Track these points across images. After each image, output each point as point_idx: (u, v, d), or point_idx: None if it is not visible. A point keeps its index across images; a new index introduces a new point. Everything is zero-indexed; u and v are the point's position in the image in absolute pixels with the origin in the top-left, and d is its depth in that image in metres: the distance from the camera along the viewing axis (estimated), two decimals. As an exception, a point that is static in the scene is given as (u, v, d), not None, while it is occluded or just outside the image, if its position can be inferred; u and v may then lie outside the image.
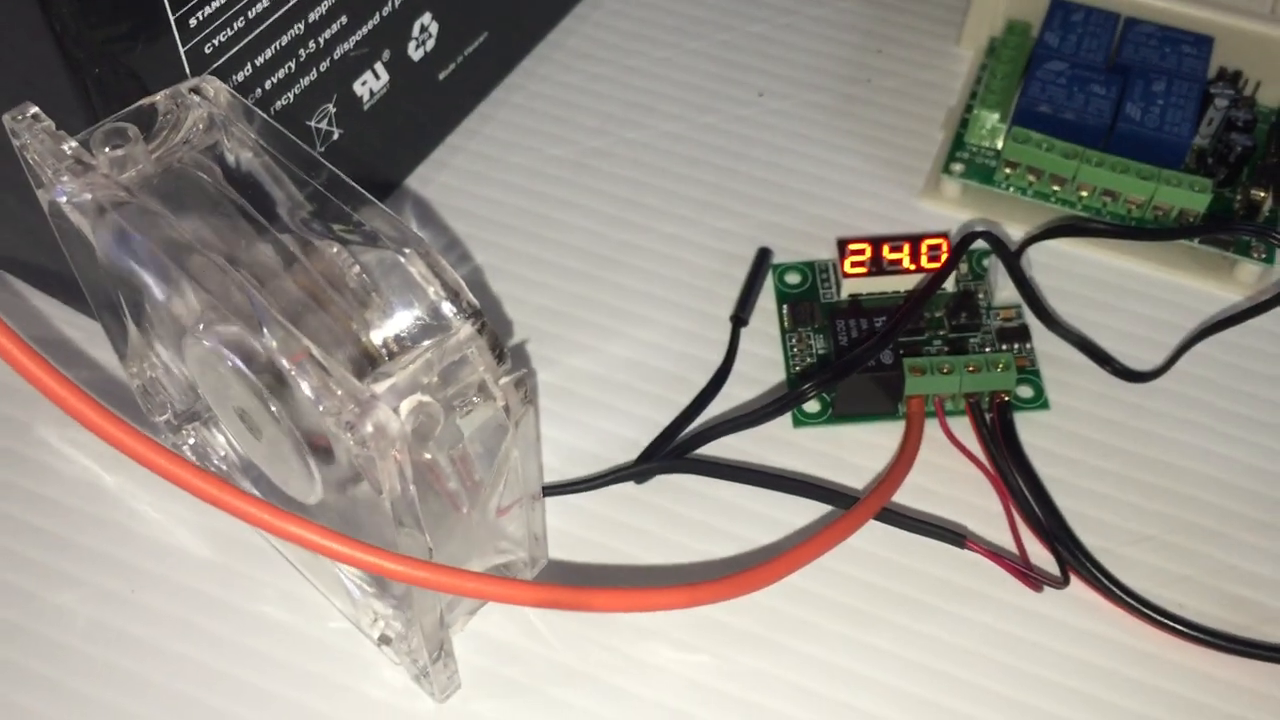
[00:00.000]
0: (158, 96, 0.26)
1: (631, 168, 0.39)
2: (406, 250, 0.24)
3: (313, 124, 0.33)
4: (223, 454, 0.31)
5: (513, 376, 0.24)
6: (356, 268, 0.24)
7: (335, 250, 0.24)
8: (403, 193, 0.38)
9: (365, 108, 0.35)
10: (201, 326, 0.26)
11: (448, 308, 0.23)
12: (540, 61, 0.42)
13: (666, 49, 0.43)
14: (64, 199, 0.26)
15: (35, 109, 0.25)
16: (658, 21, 0.44)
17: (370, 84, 0.35)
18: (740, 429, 0.32)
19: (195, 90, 0.26)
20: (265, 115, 0.26)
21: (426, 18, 0.36)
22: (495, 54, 0.40)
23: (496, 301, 0.36)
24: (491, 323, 0.24)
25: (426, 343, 0.23)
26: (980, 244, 0.35)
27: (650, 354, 0.35)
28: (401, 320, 0.23)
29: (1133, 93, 0.37)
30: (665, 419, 0.33)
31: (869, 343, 0.33)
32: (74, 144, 0.25)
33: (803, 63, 0.43)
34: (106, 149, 0.25)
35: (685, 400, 0.33)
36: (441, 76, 0.38)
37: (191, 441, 0.32)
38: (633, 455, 0.32)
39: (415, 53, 0.36)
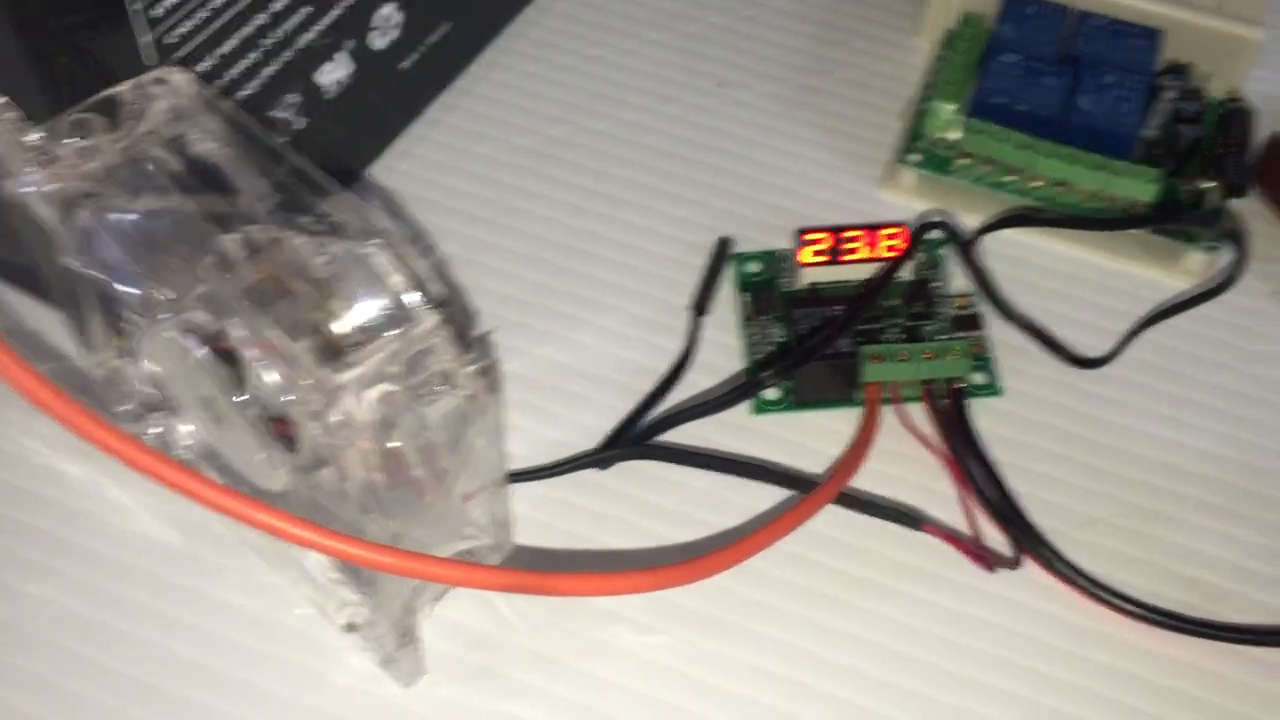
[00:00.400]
0: (122, 87, 0.26)
1: (594, 158, 0.40)
2: (372, 241, 0.24)
3: (276, 114, 0.33)
4: (186, 443, 0.32)
5: (477, 365, 0.24)
6: (322, 258, 0.24)
7: (301, 241, 0.24)
8: (367, 182, 0.38)
9: (329, 97, 0.35)
10: (166, 317, 0.26)
11: (413, 298, 0.24)
12: (503, 52, 0.42)
13: (629, 39, 0.43)
14: (28, 189, 0.26)
15: (2, 99, 0.25)
16: (621, 12, 0.44)
17: (333, 74, 0.35)
18: (700, 416, 0.33)
19: (160, 80, 0.26)
20: (230, 105, 0.26)
21: (389, 8, 0.36)
22: (458, 43, 0.40)
23: (460, 291, 0.36)
24: (456, 312, 0.24)
25: (392, 332, 0.23)
26: (936, 233, 0.36)
27: (613, 342, 0.35)
28: (367, 310, 0.24)
29: (1084, 84, 0.38)
30: (628, 406, 0.33)
31: (827, 331, 0.33)
32: (39, 134, 0.25)
33: (764, 54, 0.43)
34: (71, 139, 0.25)
35: (648, 388, 0.34)
36: (405, 66, 0.38)
37: (155, 431, 0.32)
38: (596, 442, 0.33)
39: (378, 42, 0.36)
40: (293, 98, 0.34)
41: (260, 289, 0.24)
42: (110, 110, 0.26)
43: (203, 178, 0.26)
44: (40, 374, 0.24)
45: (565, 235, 0.38)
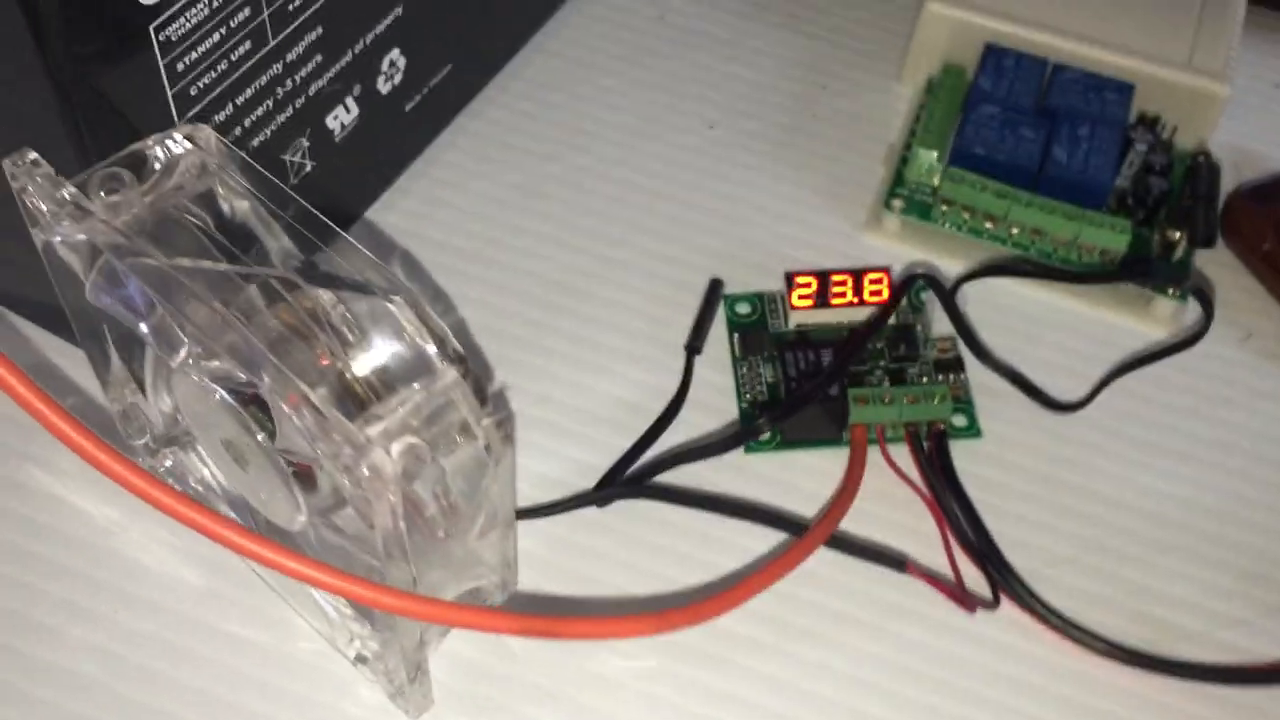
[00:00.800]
0: (149, 141, 0.27)
1: (584, 195, 0.41)
2: (395, 299, 0.25)
3: (287, 158, 0.34)
4: (200, 476, 0.33)
5: (494, 418, 0.25)
6: (343, 308, 0.26)
7: (324, 293, 0.26)
8: (367, 221, 0.40)
9: (336, 140, 0.36)
10: (192, 362, 0.27)
11: (434, 353, 0.25)
12: (500, 90, 0.44)
13: (618, 80, 0.44)
14: (60, 239, 0.27)
15: (34, 155, 0.26)
16: (611, 51, 0.45)
17: (341, 118, 0.36)
18: (696, 459, 0.34)
19: (186, 136, 0.27)
20: (259, 166, 0.27)
21: (395, 53, 0.37)
22: (458, 84, 0.41)
23: (457, 328, 0.37)
24: (474, 367, 0.25)
25: (415, 386, 0.25)
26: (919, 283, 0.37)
27: (609, 380, 0.36)
28: (390, 364, 0.25)
29: (1060, 137, 0.40)
30: (625, 443, 0.35)
31: (817, 379, 0.35)
32: (72, 190, 0.26)
33: (750, 95, 0.45)
34: (102, 193, 0.26)
35: (643, 425, 0.35)
36: (408, 108, 0.39)
37: (169, 464, 0.33)
38: (594, 478, 0.34)
39: (384, 86, 0.37)
40: (303, 142, 0.35)
41: (285, 338, 0.25)
42: (138, 164, 0.27)
43: (230, 234, 0.27)
44: (61, 408, 0.25)
45: (559, 271, 0.39)
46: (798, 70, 0.46)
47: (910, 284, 0.36)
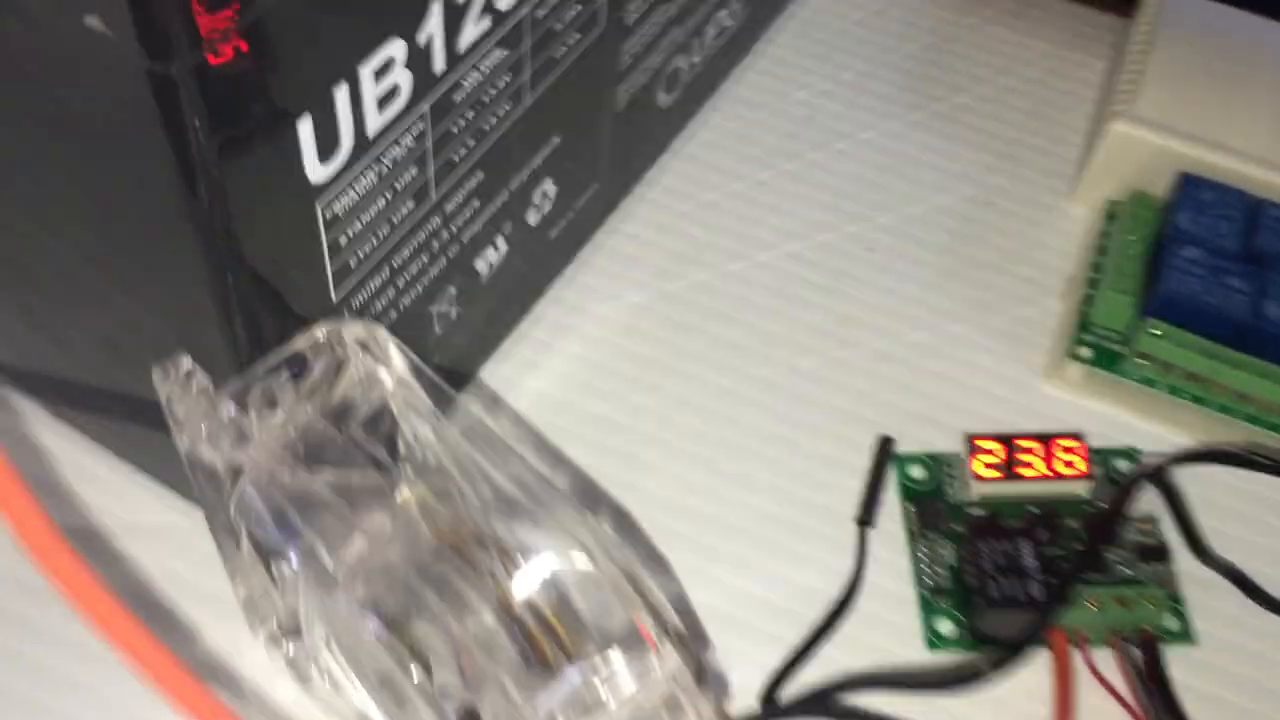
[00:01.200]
0: (312, 338, 0.24)
1: (726, 325, 0.37)
2: (605, 565, 0.22)
3: (435, 309, 0.31)
4: (328, 670, 0.29)
5: (713, 704, 0.22)
6: (541, 566, 0.22)
7: (522, 548, 0.22)
8: (502, 354, 0.36)
9: (484, 281, 0.33)
10: (345, 587, 0.24)
11: (651, 629, 0.21)
12: (637, 200, 0.40)
13: (758, 188, 0.41)
14: (208, 453, 0.23)
15: (189, 364, 0.23)
16: (749, 153, 0.42)
17: (490, 258, 0.32)
18: (881, 688, 0.30)
19: (360, 342, 0.24)
20: (448, 387, 0.23)
21: (548, 184, 0.33)
22: (601, 202, 0.38)
23: (596, 495, 0.34)
24: (693, 644, 0.22)
25: (627, 668, 0.21)
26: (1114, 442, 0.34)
27: (773, 556, 0.33)
28: (600, 640, 0.21)
29: (1271, 288, 0.36)
30: (791, 633, 0.31)
31: (1019, 591, 0.31)
32: (232, 410, 0.23)
33: (910, 212, 0.41)
34: (261, 409, 0.23)
35: (811, 613, 0.32)
36: (553, 235, 0.35)
37: (292, 653, 0.30)
38: (761, 675, 0.30)
39: (533, 218, 0.34)
40: (451, 290, 0.31)
41: (468, 599, 0.22)
42: (298, 364, 0.24)
43: (410, 466, 0.23)
44: (150, 635, 0.21)
45: (712, 423, 0.35)
46: (962, 184, 0.42)
47: (1133, 485, 0.32)
